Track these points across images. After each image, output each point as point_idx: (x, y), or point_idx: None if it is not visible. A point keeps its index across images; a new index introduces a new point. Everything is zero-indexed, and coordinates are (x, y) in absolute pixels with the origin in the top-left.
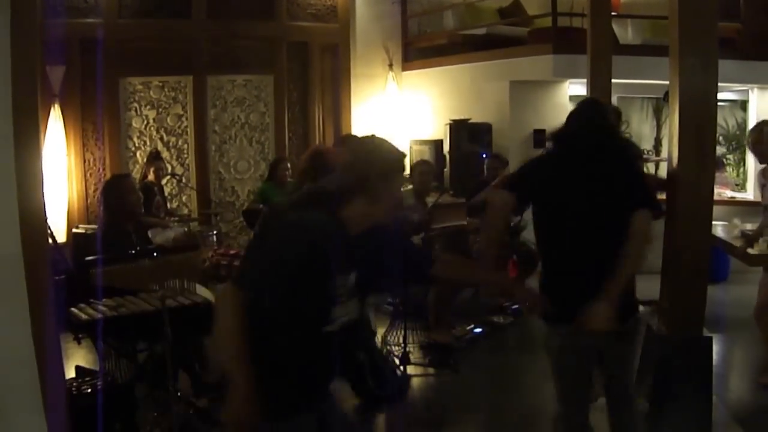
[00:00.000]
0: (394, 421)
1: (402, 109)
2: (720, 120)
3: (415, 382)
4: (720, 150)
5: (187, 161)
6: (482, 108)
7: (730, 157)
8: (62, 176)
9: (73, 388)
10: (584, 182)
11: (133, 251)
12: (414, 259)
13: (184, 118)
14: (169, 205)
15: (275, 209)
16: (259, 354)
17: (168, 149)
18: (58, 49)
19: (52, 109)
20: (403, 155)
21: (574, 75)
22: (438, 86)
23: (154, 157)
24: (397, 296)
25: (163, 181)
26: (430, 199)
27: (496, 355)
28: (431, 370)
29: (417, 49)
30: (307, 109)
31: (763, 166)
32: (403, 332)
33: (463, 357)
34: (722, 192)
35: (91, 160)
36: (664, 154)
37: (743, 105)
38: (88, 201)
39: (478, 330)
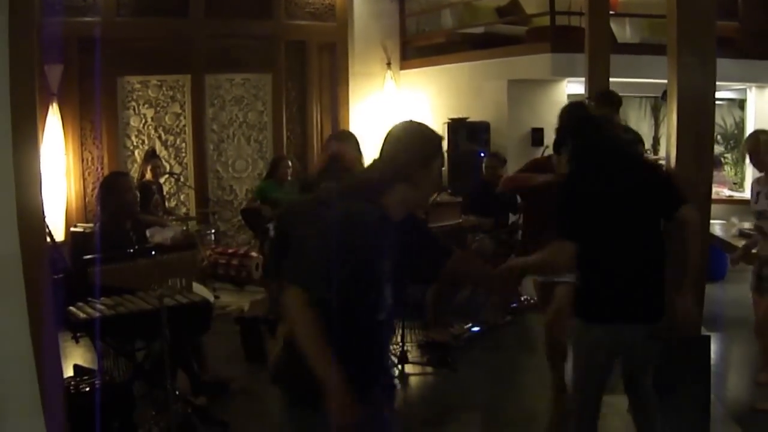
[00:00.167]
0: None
1: (400, 107)
2: (718, 119)
3: (413, 380)
4: (718, 149)
5: (185, 160)
6: (480, 107)
7: (728, 155)
8: (60, 175)
9: (72, 387)
10: (619, 194)
11: (132, 250)
12: (434, 247)
13: (182, 117)
14: (167, 204)
15: (310, 203)
16: None
17: (166, 148)
18: (56, 47)
19: (50, 107)
20: (441, 138)
21: (573, 74)
22: (436, 85)
23: (151, 156)
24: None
25: (162, 180)
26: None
27: (494, 354)
28: (429, 369)
29: (415, 47)
30: (305, 108)
31: (759, 174)
32: (401, 331)
33: (461, 356)
34: (720, 191)
35: (90, 158)
36: (662, 152)
37: (741, 104)
38: (86, 200)
39: (476, 329)
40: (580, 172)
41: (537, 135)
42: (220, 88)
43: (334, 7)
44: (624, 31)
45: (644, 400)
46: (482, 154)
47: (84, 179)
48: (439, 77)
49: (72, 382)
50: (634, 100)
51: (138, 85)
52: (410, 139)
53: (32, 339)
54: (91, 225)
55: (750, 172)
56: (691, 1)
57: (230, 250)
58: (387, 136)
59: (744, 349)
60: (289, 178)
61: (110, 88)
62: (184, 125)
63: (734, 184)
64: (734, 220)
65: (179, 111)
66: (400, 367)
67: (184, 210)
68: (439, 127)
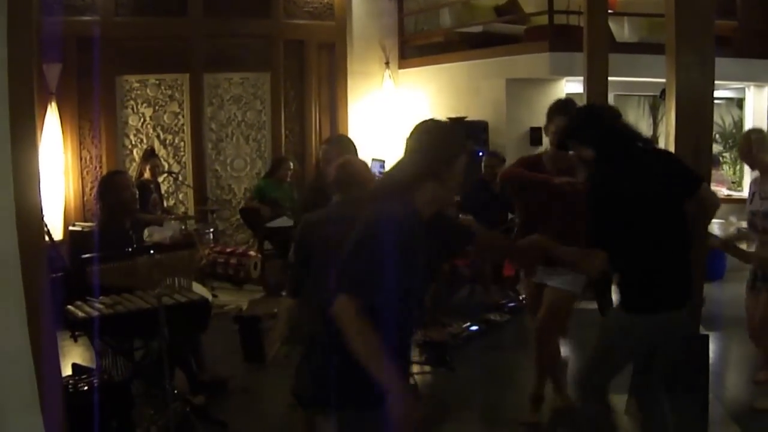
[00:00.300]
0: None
1: (398, 106)
2: (716, 118)
3: (411, 380)
4: (716, 148)
5: (183, 159)
6: (479, 106)
7: (726, 155)
8: (59, 174)
9: (70, 386)
10: (649, 187)
11: (130, 249)
12: (458, 232)
13: (180, 116)
14: (165, 203)
15: (336, 214)
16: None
17: (165, 147)
18: (55, 46)
19: (48, 106)
20: (465, 136)
21: (571, 73)
22: (434, 84)
23: (149, 155)
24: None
25: (160, 179)
26: None
27: (492, 352)
28: (427, 368)
29: (413, 46)
30: (303, 107)
31: (756, 174)
32: None
33: (459, 355)
34: (718, 190)
35: (88, 157)
36: None
37: (740, 103)
38: (85, 199)
39: (474, 328)
40: (610, 172)
41: (535, 134)
42: (219, 87)
43: (333, 6)
44: (622, 30)
45: (656, 396)
46: (480, 154)
47: (82, 178)
48: (437, 76)
49: (70, 381)
50: (632, 99)
51: (136, 84)
52: (436, 138)
53: (30, 338)
54: (89, 224)
55: (748, 171)
56: (689, 0)
57: (229, 249)
58: (411, 134)
59: (742, 349)
60: (289, 179)
61: (109, 87)
62: (183, 124)
63: (733, 183)
64: (732, 219)
65: (178, 110)
66: None
67: (182, 209)
68: None
